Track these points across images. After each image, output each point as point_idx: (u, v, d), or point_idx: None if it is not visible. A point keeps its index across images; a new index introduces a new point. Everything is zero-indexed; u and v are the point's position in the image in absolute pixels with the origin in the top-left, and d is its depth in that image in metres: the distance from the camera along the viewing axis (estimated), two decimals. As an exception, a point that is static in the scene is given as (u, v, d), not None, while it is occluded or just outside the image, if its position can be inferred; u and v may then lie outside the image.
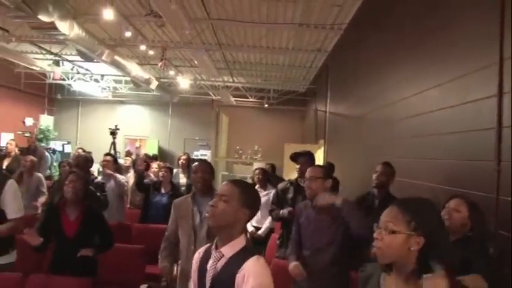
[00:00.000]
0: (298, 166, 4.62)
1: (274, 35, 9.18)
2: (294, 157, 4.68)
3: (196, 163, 3.53)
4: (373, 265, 1.84)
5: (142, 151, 14.78)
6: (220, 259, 2.01)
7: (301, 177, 4.59)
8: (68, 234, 3.52)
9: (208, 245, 2.18)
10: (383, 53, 5.45)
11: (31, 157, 6.29)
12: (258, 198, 2.23)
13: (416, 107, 4.14)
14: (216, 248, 2.06)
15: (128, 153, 10.93)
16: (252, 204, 2.10)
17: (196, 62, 10.66)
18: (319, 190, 3.28)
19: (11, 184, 3.45)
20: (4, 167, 7.28)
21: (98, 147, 12.15)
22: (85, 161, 5.54)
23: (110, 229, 3.76)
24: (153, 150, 14.84)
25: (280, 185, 4.82)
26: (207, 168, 3.44)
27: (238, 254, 1.99)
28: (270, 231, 5.99)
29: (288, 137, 13.66)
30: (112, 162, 5.85)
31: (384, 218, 1.67)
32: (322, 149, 10.05)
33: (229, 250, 2.01)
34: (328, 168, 3.41)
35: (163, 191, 5.95)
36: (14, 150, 7.74)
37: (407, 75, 4.50)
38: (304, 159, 4.57)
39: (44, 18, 5.93)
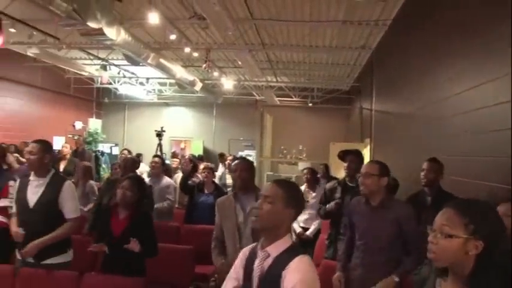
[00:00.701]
0: (345, 165, 4.54)
1: (318, 33, 9.09)
2: (342, 155, 4.60)
3: (235, 161, 3.52)
4: (427, 267, 1.77)
5: (187, 152, 14.96)
6: (266, 258, 2.02)
7: (349, 176, 4.52)
8: (115, 233, 3.58)
9: (254, 244, 2.20)
10: (432, 48, 5.27)
11: (86, 163, 6.46)
12: (302, 197, 2.24)
13: (470, 103, 3.98)
14: (262, 247, 2.07)
15: (174, 155, 11.08)
16: (296, 204, 2.11)
17: (239, 63, 10.70)
18: (373, 187, 3.21)
19: (68, 185, 3.59)
20: (61, 169, 7.53)
21: (144, 149, 12.42)
22: (132, 163, 5.63)
23: (155, 236, 3.73)
24: (198, 151, 15.01)
25: (328, 185, 4.77)
26: (245, 166, 3.41)
27: (284, 253, 2.00)
28: (318, 232, 5.93)
29: (332, 136, 13.49)
30: (160, 164, 5.92)
31: (438, 221, 1.59)
32: (368, 147, 9.87)
33: (275, 249, 2.02)
34: (384, 166, 3.28)
35: (206, 191, 5.99)
36: (69, 153, 7.98)
37: (459, 69, 4.34)
38: (352, 157, 4.49)
39: (92, 24, 6.11)
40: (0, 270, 3.66)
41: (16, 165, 6.82)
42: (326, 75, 13.77)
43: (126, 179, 3.79)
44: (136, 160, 5.84)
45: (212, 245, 3.49)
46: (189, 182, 6.27)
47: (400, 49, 7.17)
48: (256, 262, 2.05)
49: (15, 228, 3.54)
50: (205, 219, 5.43)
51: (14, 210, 3.71)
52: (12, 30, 8.32)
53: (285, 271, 1.92)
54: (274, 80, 14.19)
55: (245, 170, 3.37)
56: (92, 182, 6.56)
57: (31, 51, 10.20)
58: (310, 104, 15.83)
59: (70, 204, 3.57)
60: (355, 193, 3.76)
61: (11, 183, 3.90)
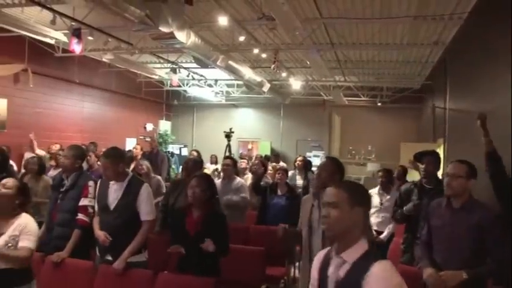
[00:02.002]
0: (422, 166, 4.36)
1: (388, 30, 8.84)
2: (419, 157, 4.42)
3: (323, 160, 3.52)
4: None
5: (255, 153, 15.05)
6: (342, 265, 1.92)
7: (426, 178, 4.33)
8: (189, 232, 3.62)
9: (327, 249, 2.10)
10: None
11: (146, 162, 6.63)
12: (366, 192, 2.12)
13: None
14: (337, 253, 1.97)
15: (242, 156, 11.15)
16: (362, 201, 2.01)
17: (308, 63, 10.62)
18: (459, 190, 3.02)
19: (145, 188, 3.71)
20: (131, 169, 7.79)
21: (213, 150, 12.60)
22: (194, 163, 5.63)
23: (228, 235, 3.74)
24: (265, 152, 15.05)
25: (404, 187, 4.59)
26: (328, 166, 3.38)
27: (362, 259, 1.89)
28: (392, 236, 5.73)
29: (403, 136, 13.09)
30: (232, 165, 5.93)
31: None
32: (442, 148, 9.47)
33: (351, 255, 1.92)
34: (472, 167, 3.08)
35: (279, 192, 5.96)
36: (140, 154, 8.25)
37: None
38: (430, 158, 4.30)
39: (164, 29, 6.28)
40: (81, 266, 3.82)
41: (96, 166, 7.12)
42: (396, 74, 13.36)
43: (194, 177, 3.84)
44: (198, 161, 5.86)
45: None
46: (262, 183, 6.27)
47: (477, 43, 6.80)
48: (331, 269, 1.97)
49: (99, 232, 3.69)
50: (278, 221, 5.41)
51: (96, 210, 3.89)
52: (90, 38, 8.73)
53: (366, 279, 1.81)
54: (343, 79, 13.95)
55: (325, 170, 3.35)
56: (157, 177, 6.72)
57: (106, 57, 10.67)
58: (379, 104, 15.44)
59: (146, 206, 3.68)
60: (432, 195, 3.60)
61: (90, 183, 4.07)
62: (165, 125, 17.09)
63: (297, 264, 6.44)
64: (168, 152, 14.03)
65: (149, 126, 15.35)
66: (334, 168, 3.39)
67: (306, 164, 7.83)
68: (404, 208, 4.30)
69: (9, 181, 3.07)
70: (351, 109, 16.04)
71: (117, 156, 3.76)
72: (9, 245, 2.93)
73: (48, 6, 7.53)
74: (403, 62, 11.64)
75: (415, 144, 10.44)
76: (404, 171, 7.46)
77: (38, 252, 3.96)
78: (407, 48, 9.87)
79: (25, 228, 3.04)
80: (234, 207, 5.64)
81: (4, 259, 2.96)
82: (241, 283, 4.46)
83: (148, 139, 12.23)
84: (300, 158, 7.54)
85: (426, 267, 3.06)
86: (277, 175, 6.13)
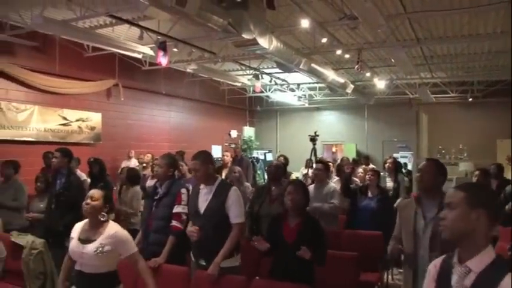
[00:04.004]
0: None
1: (479, 20, 8.31)
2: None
3: (423, 162, 3.31)
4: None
5: (339, 156, 14.80)
6: (467, 275, 1.75)
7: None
8: (287, 240, 3.57)
9: (444, 256, 1.95)
10: None
11: (238, 168, 6.66)
12: (491, 194, 1.93)
13: None
14: (460, 261, 1.81)
15: (323, 160, 10.96)
16: (484, 202, 1.81)
17: (392, 61, 10.28)
18: None
19: (234, 191, 3.72)
20: (223, 177, 7.90)
21: (297, 154, 12.54)
22: (275, 169, 5.53)
23: (325, 244, 3.66)
24: (351, 155, 14.75)
25: (509, 188, 4.27)
26: (430, 168, 3.17)
27: (490, 269, 1.71)
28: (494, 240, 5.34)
29: (499, 133, 12.30)
30: (323, 170, 5.81)
31: None
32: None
33: (477, 264, 1.74)
34: None
35: (370, 194, 5.77)
36: (230, 161, 8.36)
37: None
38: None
39: (246, 36, 6.33)
40: (177, 271, 3.89)
41: (189, 175, 7.27)
42: (488, 66, 12.56)
43: (290, 184, 3.80)
44: (280, 166, 5.75)
45: (390, 242, 3.38)
46: (352, 185, 6.10)
47: None
48: (455, 278, 1.80)
49: (190, 228, 3.78)
50: (368, 224, 5.25)
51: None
52: (175, 50, 9.04)
53: None
54: (429, 76, 13.36)
55: (427, 172, 3.15)
56: (246, 183, 6.71)
57: (190, 68, 10.98)
58: (470, 99, 14.63)
59: (236, 209, 3.69)
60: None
61: (183, 190, 4.16)
62: (249, 131, 17.33)
63: (389, 270, 6.24)
64: (253, 157, 14.16)
65: (233, 133, 15.64)
66: (436, 170, 3.17)
67: (397, 166, 7.54)
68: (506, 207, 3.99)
69: (95, 193, 3.20)
70: (439, 106, 15.34)
71: (207, 158, 3.80)
72: (97, 252, 3.04)
73: (135, 23, 7.91)
74: (496, 53, 10.92)
75: (513, 141, 9.77)
76: (500, 169, 6.94)
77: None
78: (501, 37, 9.22)
79: (119, 239, 3.15)
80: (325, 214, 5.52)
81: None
82: (336, 290, 4.34)
83: (233, 146, 12.43)
84: (390, 160, 7.27)
85: None
86: (367, 176, 5.95)
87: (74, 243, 3.15)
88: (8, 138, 8.70)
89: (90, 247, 3.06)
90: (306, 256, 3.36)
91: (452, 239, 1.84)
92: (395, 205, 6.66)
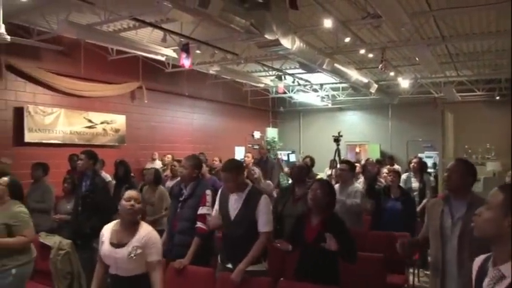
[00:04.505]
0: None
1: (507, 15, 8.12)
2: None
3: (452, 162, 3.24)
4: None
5: (363, 156, 14.68)
6: (501, 280, 1.68)
7: None
8: (308, 239, 3.55)
9: (485, 255, 1.87)
10: None
11: (256, 168, 6.67)
12: None
13: None
14: (494, 264, 1.74)
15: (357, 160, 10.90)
16: None
17: (417, 59, 10.15)
18: None
19: (264, 199, 3.71)
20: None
21: (321, 155, 12.44)
22: (299, 169, 5.46)
23: (352, 239, 3.58)
24: (375, 155, 14.62)
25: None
26: (458, 168, 3.11)
27: None
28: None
29: (529, 131, 11.98)
30: (348, 170, 5.74)
31: None
32: None
33: (510, 270, 1.66)
34: None
35: (392, 196, 5.70)
36: (251, 162, 8.39)
37: None
38: None
39: (269, 36, 6.33)
40: (201, 273, 3.90)
41: (208, 176, 7.33)
42: (516, 63, 12.28)
43: (315, 182, 3.78)
44: (303, 167, 5.71)
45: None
46: (376, 186, 6.05)
47: None
48: (486, 281, 1.74)
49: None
50: (393, 225, 5.18)
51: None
52: (198, 51, 9.08)
53: None
54: (455, 74, 13.14)
55: (455, 172, 3.08)
56: (267, 182, 6.78)
57: (213, 69, 11.03)
58: (498, 97, 14.32)
59: (264, 218, 3.67)
60: None
61: (208, 192, 4.17)
62: (272, 132, 17.33)
63: (415, 271, 6.15)
64: (277, 158, 14.13)
65: (257, 134, 15.66)
66: (464, 170, 3.10)
67: (422, 166, 7.44)
68: None
69: (136, 195, 3.20)
70: (465, 105, 15.02)
71: (237, 168, 3.78)
72: (132, 255, 3.04)
73: (159, 25, 7.97)
74: (524, 50, 10.67)
75: (544, 140, 9.51)
76: None
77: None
78: (529, 34, 9.02)
79: (149, 240, 3.15)
80: (349, 211, 5.46)
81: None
82: (363, 291, 4.29)
83: (256, 147, 12.43)
84: (415, 160, 7.18)
85: None
86: (388, 177, 5.88)
87: (106, 248, 3.15)
88: (36, 141, 8.85)
89: (124, 251, 3.06)
90: (332, 247, 3.31)
91: (482, 238, 1.79)
92: (420, 206, 6.60)
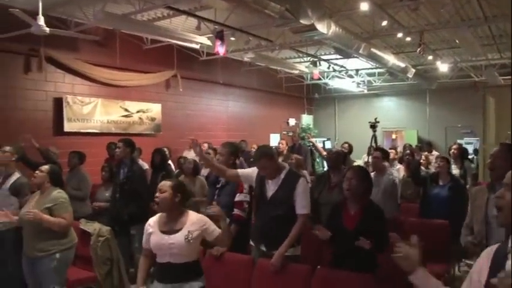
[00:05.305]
0: None
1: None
2: None
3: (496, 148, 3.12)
4: None
5: (399, 143, 14.41)
6: None
7: None
8: (347, 228, 3.50)
9: (498, 244, 1.80)
10: None
11: (296, 156, 6.61)
12: None
13: None
14: None
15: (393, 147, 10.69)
16: None
17: (457, 42, 9.83)
18: None
19: (302, 182, 3.67)
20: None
21: (356, 142, 12.25)
22: (336, 156, 5.40)
23: (387, 232, 3.53)
24: (412, 141, 14.31)
25: None
26: (502, 154, 2.99)
27: None
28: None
29: None
30: (381, 157, 5.63)
31: None
32: None
33: None
34: None
35: (441, 182, 5.55)
36: (285, 149, 8.36)
37: None
38: None
39: (304, 21, 6.23)
40: (240, 259, 3.91)
41: (244, 163, 7.34)
42: None
43: (349, 169, 3.71)
44: (340, 153, 5.61)
45: (462, 231, 3.29)
46: (422, 172, 5.90)
47: None
48: (509, 264, 1.66)
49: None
50: (440, 213, 5.05)
51: None
52: (232, 38, 9.04)
53: None
54: (497, 56, 12.66)
55: (499, 158, 2.97)
56: (303, 171, 6.71)
57: (247, 57, 10.97)
58: (543, 80, 13.77)
59: (302, 200, 3.63)
60: None
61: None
62: (307, 119, 17.23)
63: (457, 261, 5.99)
64: (312, 145, 14.02)
65: (291, 121, 15.57)
66: (509, 155, 2.97)
67: (462, 152, 7.22)
68: None
69: (164, 185, 3.20)
70: (508, 89, 14.53)
71: (267, 155, 3.74)
72: (189, 238, 3.05)
73: (193, 13, 7.96)
74: None
75: None
76: None
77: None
78: None
79: (205, 221, 3.16)
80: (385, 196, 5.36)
81: None
82: (401, 279, 4.20)
83: (291, 134, 12.36)
84: (455, 146, 6.98)
85: None
86: (436, 164, 5.72)
87: (157, 237, 3.13)
88: (75, 130, 9.04)
89: (179, 235, 3.06)
90: (366, 246, 3.27)
91: (506, 222, 1.70)
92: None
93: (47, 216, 3.91)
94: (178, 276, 3.10)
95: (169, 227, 3.13)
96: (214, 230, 3.18)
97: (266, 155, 3.71)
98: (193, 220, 3.14)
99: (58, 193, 4.12)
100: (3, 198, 4.56)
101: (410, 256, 1.88)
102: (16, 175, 4.79)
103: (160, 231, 3.14)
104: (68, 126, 8.90)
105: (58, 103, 8.84)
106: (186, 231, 3.07)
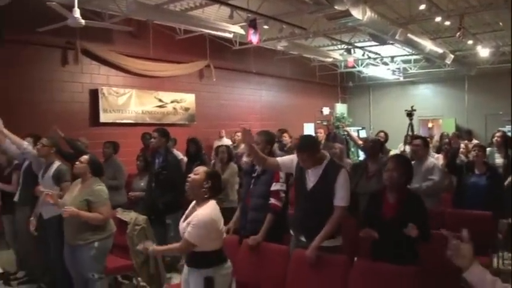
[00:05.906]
0: None
1: None
2: None
3: None
4: None
5: (436, 132, 14.08)
6: None
7: None
8: (386, 217, 3.40)
9: None
10: None
11: (339, 145, 6.47)
12: None
13: None
14: None
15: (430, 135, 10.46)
16: None
17: (500, 24, 9.45)
18: None
19: (343, 173, 3.55)
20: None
21: (392, 131, 12.00)
22: (373, 145, 5.24)
23: (428, 219, 3.42)
24: (450, 130, 13.92)
25: None
26: None
27: None
28: None
29: None
30: (422, 146, 5.45)
31: None
32: None
33: None
34: None
35: (477, 172, 5.36)
36: (323, 138, 8.26)
37: None
38: None
39: (339, 7, 6.11)
40: (275, 249, 3.86)
41: (278, 152, 7.26)
42: None
43: (391, 159, 3.59)
44: (376, 141, 5.46)
45: None
46: (458, 161, 5.71)
47: None
48: None
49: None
50: (477, 203, 4.87)
51: None
52: (266, 27, 8.94)
53: None
54: (542, 39, 12.16)
55: None
56: (347, 160, 6.65)
57: (280, 45, 10.87)
58: None
59: (341, 192, 3.51)
60: None
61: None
62: (341, 108, 17.07)
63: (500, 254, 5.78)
64: (347, 134, 13.83)
65: (325, 110, 15.42)
66: None
67: (506, 140, 6.94)
68: None
69: (199, 169, 3.19)
70: (553, 74, 13.98)
71: (313, 146, 3.63)
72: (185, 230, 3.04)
73: (225, 2, 7.90)
74: None
75: None
76: None
77: (234, 235, 4.17)
78: None
79: (197, 219, 3.01)
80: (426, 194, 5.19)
81: None
82: (441, 271, 4.07)
83: (325, 123, 12.21)
84: (498, 133, 6.70)
85: None
86: (473, 152, 5.51)
87: (182, 225, 3.14)
88: (110, 121, 9.17)
89: (184, 225, 3.06)
90: (413, 234, 3.16)
91: None
92: (506, 182, 6.18)
93: (83, 212, 3.97)
94: (192, 261, 3.12)
95: (189, 213, 3.15)
96: (189, 231, 3.02)
97: (311, 149, 3.59)
98: (199, 212, 3.07)
99: (98, 186, 4.17)
100: (48, 186, 4.64)
101: (464, 253, 1.78)
102: (57, 163, 4.86)
103: (185, 216, 3.17)
104: (103, 117, 9.03)
105: (94, 94, 8.99)
106: (188, 222, 3.04)
